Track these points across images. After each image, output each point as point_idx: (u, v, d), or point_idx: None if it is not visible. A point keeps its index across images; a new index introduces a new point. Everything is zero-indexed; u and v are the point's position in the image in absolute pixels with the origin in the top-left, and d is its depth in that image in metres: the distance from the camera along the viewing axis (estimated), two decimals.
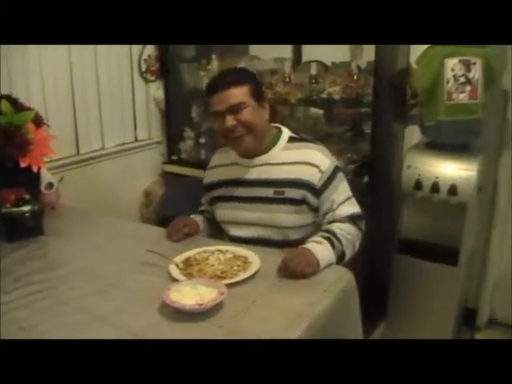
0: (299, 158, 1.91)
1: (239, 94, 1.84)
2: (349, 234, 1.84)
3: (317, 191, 1.88)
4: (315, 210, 1.92)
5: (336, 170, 1.92)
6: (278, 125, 2.04)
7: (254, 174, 1.97)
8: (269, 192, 1.92)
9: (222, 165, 2.09)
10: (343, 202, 1.90)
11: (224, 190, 2.05)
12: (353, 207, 1.92)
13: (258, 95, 1.90)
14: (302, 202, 1.89)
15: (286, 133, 2.01)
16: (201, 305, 1.41)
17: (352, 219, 1.89)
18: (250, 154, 1.97)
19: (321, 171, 1.88)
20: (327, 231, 1.84)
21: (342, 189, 1.92)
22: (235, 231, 2.03)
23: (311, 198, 1.89)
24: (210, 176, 2.13)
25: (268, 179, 1.94)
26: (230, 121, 1.84)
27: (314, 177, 1.88)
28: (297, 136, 2.02)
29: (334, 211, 1.89)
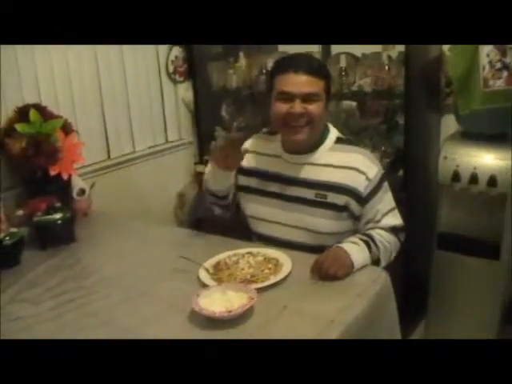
0: (346, 163, 1.82)
1: (316, 84, 1.76)
2: (388, 243, 1.81)
3: (362, 199, 1.81)
4: (356, 217, 1.85)
5: (383, 178, 1.85)
6: (326, 123, 1.93)
7: (296, 171, 1.87)
8: (310, 194, 1.84)
9: (262, 153, 1.97)
10: (387, 213, 1.85)
11: (259, 182, 1.94)
12: (395, 219, 1.88)
13: (329, 92, 1.83)
14: (343, 208, 1.81)
15: (334, 132, 1.91)
16: (230, 311, 1.38)
17: (393, 230, 1.85)
18: (297, 150, 1.87)
19: (368, 179, 1.80)
20: (366, 235, 1.80)
21: (387, 199, 1.86)
22: (265, 229, 1.96)
23: (354, 206, 1.81)
24: (247, 160, 1.94)
25: (311, 180, 1.84)
26: (299, 107, 1.74)
27: (360, 184, 1.79)
28: (344, 137, 1.94)
29: (377, 222, 1.84)
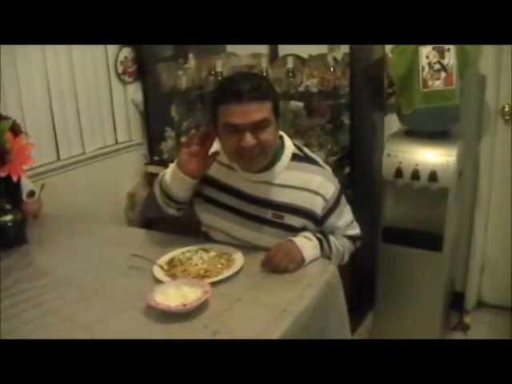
0: (302, 184, 1.77)
1: (263, 109, 1.62)
2: (341, 246, 1.86)
3: (318, 220, 1.79)
4: None
5: (340, 195, 1.83)
6: (280, 132, 1.81)
7: (252, 189, 1.79)
8: (266, 213, 1.78)
9: (222, 163, 1.85)
10: (345, 227, 1.88)
11: (218, 194, 1.85)
12: (353, 230, 1.92)
13: (277, 111, 1.70)
14: (301, 229, 1.79)
15: (289, 148, 1.81)
16: (185, 305, 1.42)
17: (351, 238, 1.91)
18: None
19: (325, 200, 1.77)
20: (321, 233, 1.82)
21: (345, 214, 1.87)
22: (221, 240, 1.89)
23: (311, 227, 1.80)
24: None
25: (267, 200, 1.78)
26: (250, 139, 1.61)
27: (317, 206, 1.77)
28: (300, 153, 1.83)
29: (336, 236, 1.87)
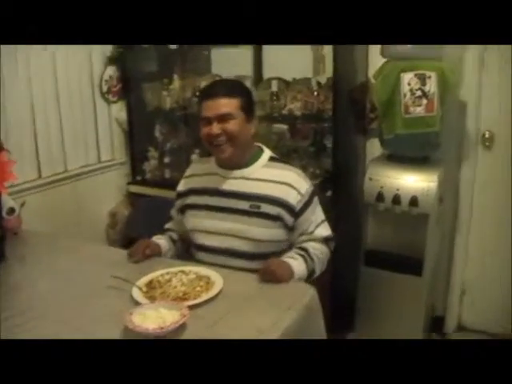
0: (278, 178, 1.97)
1: (229, 104, 1.91)
2: (321, 254, 1.98)
3: (294, 213, 1.95)
4: (289, 228, 1.97)
5: (313, 193, 2.01)
6: (259, 144, 2.09)
7: (231, 185, 2.00)
8: (244, 205, 1.96)
9: (200, 174, 2.12)
10: (319, 224, 2.01)
11: (198, 199, 2.06)
12: (326, 230, 2.03)
13: (248, 109, 1.96)
14: (276, 218, 1.94)
15: (267, 153, 2.06)
16: (162, 328, 1.41)
17: (325, 241, 2.01)
18: (230, 166, 2.01)
19: (300, 194, 1.95)
20: (302, 249, 1.95)
21: (318, 212, 2.03)
22: (205, 240, 2.04)
23: (287, 217, 1.94)
24: (185, 184, 2.14)
25: (245, 193, 1.97)
26: (216, 128, 1.90)
27: (292, 198, 1.94)
28: (277, 157, 2.09)
29: (311, 233, 1.99)
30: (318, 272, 1.96)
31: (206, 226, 2.03)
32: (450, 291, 3.07)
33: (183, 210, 2.12)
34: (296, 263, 1.85)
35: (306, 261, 1.89)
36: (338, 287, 2.51)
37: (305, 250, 1.94)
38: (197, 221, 2.06)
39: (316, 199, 2.02)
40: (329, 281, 2.13)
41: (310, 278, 1.91)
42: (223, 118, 1.90)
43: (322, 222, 2.03)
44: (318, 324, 1.71)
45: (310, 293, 1.69)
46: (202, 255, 2.06)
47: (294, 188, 1.95)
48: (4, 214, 2.24)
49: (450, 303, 3.08)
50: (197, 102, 2.07)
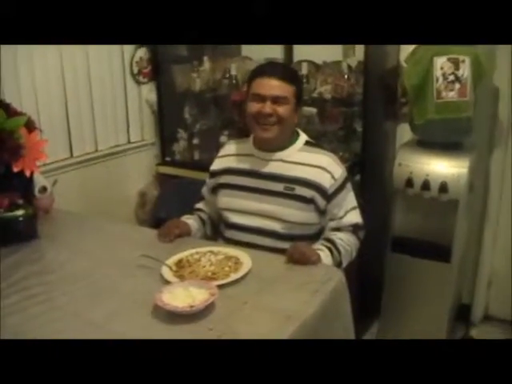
0: (314, 162, 1.99)
1: (287, 89, 1.93)
2: (348, 246, 1.96)
3: (327, 196, 1.97)
4: (321, 212, 1.99)
5: (346, 179, 2.03)
6: (296, 128, 2.11)
7: (267, 167, 2.03)
8: (279, 187, 1.99)
9: (236, 154, 2.13)
10: (350, 210, 2.02)
11: (233, 179, 2.09)
12: (357, 217, 2.04)
13: (299, 99, 1.99)
14: (310, 201, 1.96)
15: (303, 137, 2.09)
16: (192, 306, 1.43)
17: (354, 229, 2.01)
18: (268, 148, 2.04)
19: (333, 178, 1.97)
20: (328, 240, 1.95)
21: (350, 197, 2.04)
22: (238, 219, 2.06)
23: (320, 200, 1.97)
24: (219, 163, 2.16)
25: (281, 175, 2.00)
26: (269, 108, 1.91)
27: (326, 182, 1.96)
28: (313, 141, 2.11)
29: (341, 218, 2.00)
30: (345, 263, 1.96)
31: (240, 206, 2.05)
32: (477, 280, 3.04)
33: (216, 189, 2.14)
34: (322, 254, 1.85)
35: (332, 253, 1.89)
36: (364, 273, 2.50)
37: (331, 241, 1.94)
38: (230, 200, 2.08)
39: (349, 185, 2.04)
40: (355, 267, 2.11)
41: None
42: (277, 100, 1.92)
43: (353, 208, 2.03)
44: (345, 308, 1.71)
45: (337, 276, 1.70)
46: (231, 233, 2.09)
47: (328, 172, 1.97)
48: (36, 192, 2.28)
49: (476, 292, 3.06)
50: (248, 79, 2.05)
